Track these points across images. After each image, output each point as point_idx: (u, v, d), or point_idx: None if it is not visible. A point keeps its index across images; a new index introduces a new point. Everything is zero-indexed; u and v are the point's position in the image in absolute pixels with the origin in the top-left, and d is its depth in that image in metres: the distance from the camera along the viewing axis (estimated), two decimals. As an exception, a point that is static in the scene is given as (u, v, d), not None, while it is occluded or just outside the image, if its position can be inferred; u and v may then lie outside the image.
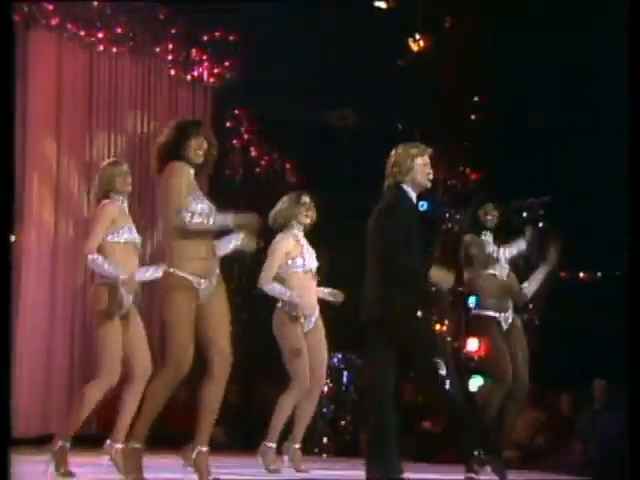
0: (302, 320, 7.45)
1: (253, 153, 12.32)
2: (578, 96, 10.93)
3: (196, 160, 5.81)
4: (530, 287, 7.62)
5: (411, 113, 12.38)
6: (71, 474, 6.35)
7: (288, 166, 11.41)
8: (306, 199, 7.54)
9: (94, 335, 6.90)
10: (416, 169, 6.20)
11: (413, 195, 6.26)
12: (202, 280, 5.70)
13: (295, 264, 7.44)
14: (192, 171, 5.81)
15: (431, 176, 6.31)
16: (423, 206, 12.13)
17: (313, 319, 7.54)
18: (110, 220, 6.58)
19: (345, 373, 10.96)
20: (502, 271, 7.57)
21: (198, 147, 5.82)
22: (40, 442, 10.12)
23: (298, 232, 7.51)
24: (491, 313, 7.48)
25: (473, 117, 12.20)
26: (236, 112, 12.41)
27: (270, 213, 7.45)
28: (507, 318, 7.50)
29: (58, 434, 6.58)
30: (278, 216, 7.48)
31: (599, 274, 11.41)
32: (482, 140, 11.69)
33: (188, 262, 5.68)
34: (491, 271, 7.53)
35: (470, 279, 7.57)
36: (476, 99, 12.24)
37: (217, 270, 5.83)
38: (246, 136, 12.40)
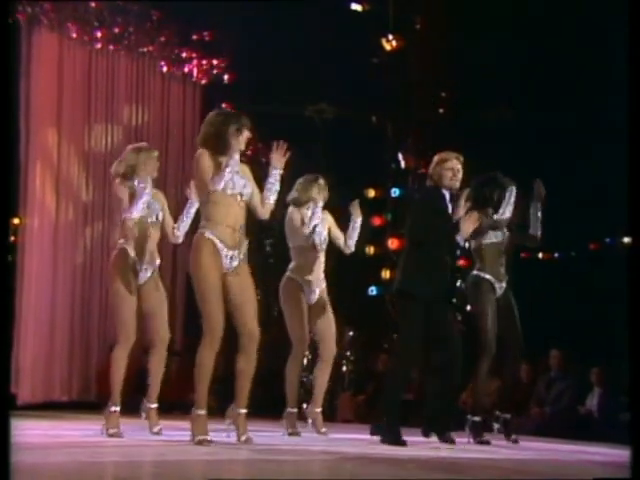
0: (305, 290, 7.40)
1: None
2: (540, 90, 11.07)
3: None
4: (536, 227, 7.49)
5: (384, 107, 12.57)
6: (119, 435, 6.48)
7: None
8: (322, 181, 7.55)
9: (109, 302, 7.06)
10: (442, 174, 6.80)
11: (445, 194, 6.79)
12: (228, 249, 5.84)
13: (302, 238, 7.39)
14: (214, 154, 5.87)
15: (456, 179, 6.78)
16: (395, 192, 12.35)
17: (317, 291, 7.44)
18: (120, 199, 6.63)
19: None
20: (503, 237, 7.42)
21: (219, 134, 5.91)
22: (44, 408, 10.35)
23: (309, 209, 7.43)
24: (490, 277, 7.33)
25: (441, 110, 12.34)
26: (223, 105, 12.49)
27: (291, 191, 7.46)
28: (502, 287, 7.35)
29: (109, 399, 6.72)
30: (301, 193, 7.49)
31: (556, 255, 11.62)
32: (448, 131, 11.78)
33: (215, 226, 5.85)
34: (493, 239, 7.41)
35: (474, 249, 7.47)
36: (443, 94, 12.37)
37: (245, 245, 5.96)
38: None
